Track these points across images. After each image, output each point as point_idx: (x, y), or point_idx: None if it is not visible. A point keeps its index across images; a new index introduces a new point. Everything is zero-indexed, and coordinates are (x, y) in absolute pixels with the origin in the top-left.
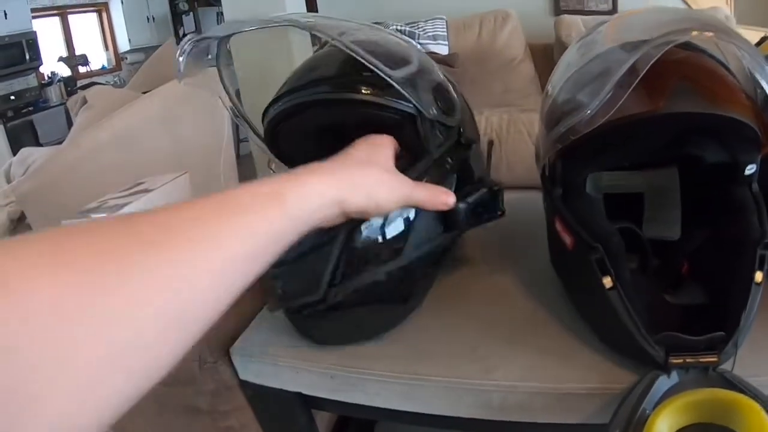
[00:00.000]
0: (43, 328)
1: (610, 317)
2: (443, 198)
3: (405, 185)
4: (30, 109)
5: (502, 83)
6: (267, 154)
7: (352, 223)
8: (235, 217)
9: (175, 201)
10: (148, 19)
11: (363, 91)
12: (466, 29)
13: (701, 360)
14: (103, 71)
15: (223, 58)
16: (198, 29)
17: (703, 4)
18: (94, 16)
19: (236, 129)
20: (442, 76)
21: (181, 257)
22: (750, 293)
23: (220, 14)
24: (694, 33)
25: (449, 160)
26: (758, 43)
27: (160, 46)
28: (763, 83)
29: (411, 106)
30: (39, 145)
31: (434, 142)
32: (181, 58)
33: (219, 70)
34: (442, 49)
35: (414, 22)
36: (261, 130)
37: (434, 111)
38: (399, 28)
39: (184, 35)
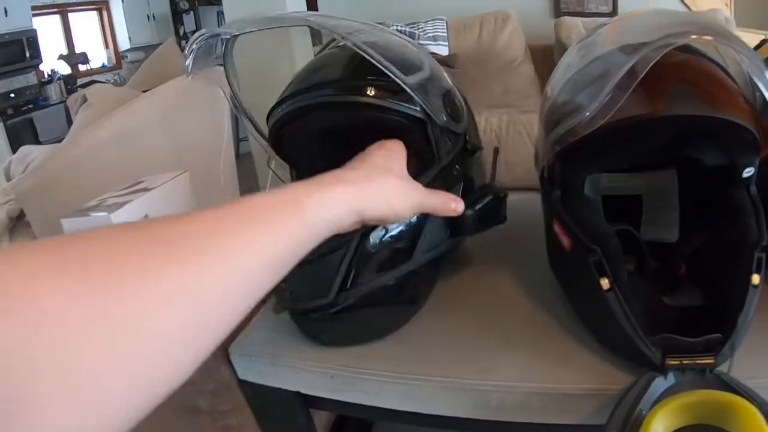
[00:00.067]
0: (45, 337)
1: (608, 319)
2: (453, 205)
3: (419, 192)
4: (30, 107)
5: (502, 84)
6: (268, 151)
7: (365, 228)
8: (255, 226)
9: (175, 200)
10: (148, 17)
11: (369, 94)
12: (466, 30)
13: (698, 362)
14: (103, 69)
15: (229, 56)
16: (198, 28)
17: (703, 7)
18: (94, 14)
19: (236, 128)
20: (450, 83)
21: (195, 269)
22: (747, 295)
23: (220, 13)
24: (693, 36)
25: (457, 167)
26: (757, 47)
27: (160, 44)
28: (762, 87)
29: (418, 110)
30: (39, 143)
31: (444, 148)
32: (190, 54)
33: (226, 68)
34: (443, 50)
35: (414, 23)
36: (262, 127)
37: (444, 118)
38: (399, 28)
39: (185, 34)
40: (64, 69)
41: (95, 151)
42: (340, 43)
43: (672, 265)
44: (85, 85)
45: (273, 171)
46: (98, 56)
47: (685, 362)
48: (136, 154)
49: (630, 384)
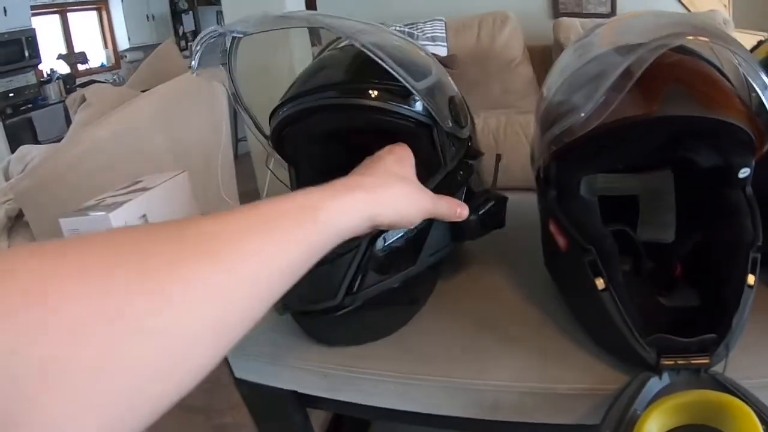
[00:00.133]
0: (52, 338)
1: (603, 319)
2: (459, 210)
3: (428, 198)
4: (29, 106)
5: (500, 85)
6: (268, 150)
7: (373, 233)
8: (275, 230)
9: (173, 199)
10: (147, 17)
11: (372, 96)
12: (465, 30)
13: (693, 362)
14: (102, 69)
15: (234, 55)
16: (197, 28)
17: (702, 8)
18: (93, 13)
19: (235, 128)
20: (456, 88)
21: (221, 270)
22: (742, 296)
23: (219, 13)
24: (689, 37)
25: (461, 172)
26: (754, 48)
27: (159, 44)
28: (758, 88)
29: (422, 114)
30: (38, 142)
31: (449, 154)
32: (197, 51)
33: (230, 66)
34: (441, 51)
35: (413, 23)
36: (263, 125)
37: (450, 123)
38: (398, 29)
39: (184, 34)
40: (63, 69)
41: (94, 151)
42: (340, 45)
43: (668, 266)
44: (84, 85)
45: (271, 171)
46: (97, 56)
47: (679, 362)
48: (134, 154)
49: (625, 384)
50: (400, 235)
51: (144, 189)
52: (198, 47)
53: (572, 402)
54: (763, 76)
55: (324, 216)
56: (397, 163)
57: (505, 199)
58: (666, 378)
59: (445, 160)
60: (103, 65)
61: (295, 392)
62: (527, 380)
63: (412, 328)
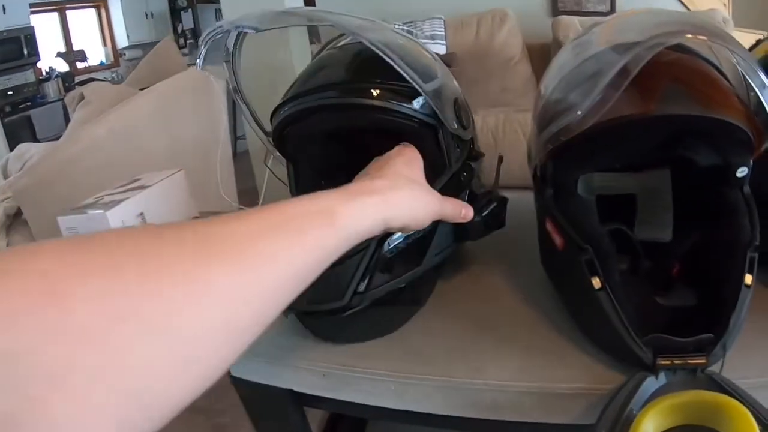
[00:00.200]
0: (71, 338)
1: (599, 318)
2: (464, 211)
3: (437, 201)
4: (27, 104)
5: (499, 83)
6: (267, 147)
7: (381, 234)
8: (291, 233)
9: (171, 198)
10: (146, 15)
11: (375, 95)
12: (463, 28)
13: (689, 361)
14: (101, 67)
15: (238, 51)
16: (196, 25)
17: (701, 6)
18: (92, 11)
19: (233, 126)
20: (459, 89)
21: (234, 272)
22: (740, 296)
23: (218, 11)
24: (687, 36)
25: (464, 173)
26: (753, 47)
27: (158, 42)
28: (756, 87)
29: (423, 113)
30: (36, 140)
31: (454, 155)
32: (204, 46)
33: (233, 62)
34: (440, 49)
35: (411, 22)
36: (263, 122)
37: (455, 125)
38: (397, 27)
39: (183, 32)
40: (62, 66)
41: (92, 149)
42: (340, 43)
43: (665, 265)
44: (83, 83)
45: (269, 169)
46: (96, 54)
47: (676, 362)
48: (133, 152)
49: (621, 384)
50: (406, 236)
51: (141, 187)
52: (205, 43)
53: (569, 401)
54: (762, 76)
55: (340, 219)
56: (406, 165)
57: (506, 200)
58: (662, 378)
59: (449, 161)
60: (102, 63)
61: (292, 391)
62: (524, 380)
63: (410, 327)
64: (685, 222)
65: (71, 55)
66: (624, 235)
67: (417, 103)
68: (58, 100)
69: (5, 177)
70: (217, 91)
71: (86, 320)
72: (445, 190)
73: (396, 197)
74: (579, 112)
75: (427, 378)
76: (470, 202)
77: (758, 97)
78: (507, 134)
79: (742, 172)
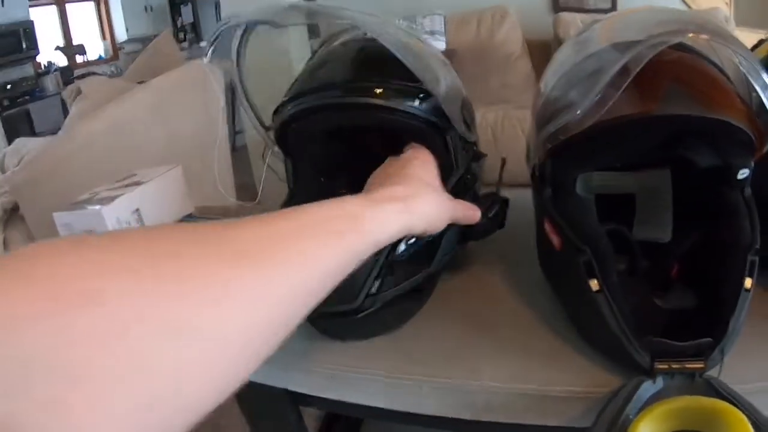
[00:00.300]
0: (108, 338)
1: (597, 320)
2: (472, 214)
3: (450, 205)
4: (26, 98)
5: (499, 79)
6: (266, 141)
7: None
8: (318, 237)
9: (167, 194)
10: (145, 8)
11: (380, 95)
12: (464, 25)
13: (687, 366)
14: (100, 61)
15: (244, 45)
16: (196, 19)
17: (703, 5)
18: (91, 5)
19: (232, 121)
20: (464, 91)
21: (261, 275)
22: (739, 299)
23: (218, 5)
24: (690, 35)
25: (468, 175)
26: (755, 47)
27: (157, 36)
28: (758, 88)
29: (430, 113)
30: (35, 134)
31: (461, 157)
32: (215, 37)
33: (238, 55)
34: (440, 45)
35: (412, 17)
36: (262, 117)
37: (463, 127)
38: (397, 23)
39: (182, 26)
40: (61, 60)
41: (89, 144)
42: (341, 39)
43: (664, 266)
44: (81, 77)
45: (268, 164)
46: (95, 48)
47: (674, 366)
48: (130, 147)
49: (617, 387)
50: (418, 239)
51: (137, 183)
52: (217, 34)
53: (564, 404)
54: (764, 76)
55: (366, 225)
56: (424, 170)
57: (508, 201)
58: (660, 382)
59: (457, 163)
60: (101, 57)
61: (288, 391)
62: (519, 382)
63: (406, 328)
64: (684, 222)
65: (70, 48)
66: (622, 235)
67: (422, 103)
68: (57, 94)
69: (2, 172)
70: (215, 85)
71: (110, 321)
72: (453, 193)
73: (418, 204)
74: (578, 112)
75: (421, 379)
76: (474, 203)
77: (760, 97)
78: (506, 131)
79: (743, 173)
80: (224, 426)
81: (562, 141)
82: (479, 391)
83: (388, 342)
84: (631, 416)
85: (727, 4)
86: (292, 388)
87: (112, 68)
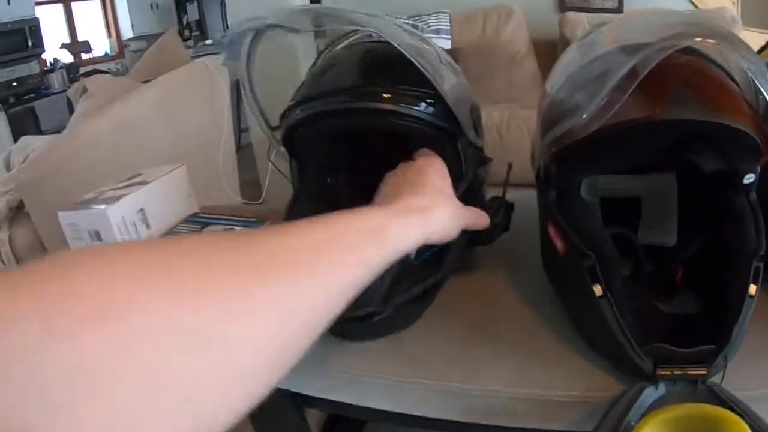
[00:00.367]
0: (143, 348)
1: (600, 325)
2: (482, 220)
3: (462, 212)
4: (32, 95)
5: (504, 79)
6: (272, 142)
7: None
8: (344, 250)
9: (172, 193)
10: (151, 6)
11: (388, 100)
12: (469, 24)
13: (690, 373)
14: (105, 58)
15: (254, 48)
16: (202, 17)
17: (710, 5)
18: (97, 2)
19: (237, 119)
20: (474, 96)
21: (288, 285)
22: (743, 306)
23: (223, 2)
24: (697, 39)
25: (476, 181)
26: (762, 49)
27: (163, 33)
28: (765, 92)
29: (439, 118)
30: (41, 131)
31: (470, 163)
32: (232, 38)
33: (248, 58)
34: (445, 44)
35: (417, 16)
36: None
37: (473, 133)
38: (402, 21)
39: (188, 23)
40: (67, 58)
41: (95, 143)
42: (347, 40)
43: (669, 270)
44: (87, 74)
45: (272, 163)
46: (101, 45)
47: (676, 373)
48: (135, 146)
49: (619, 393)
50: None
51: (142, 183)
52: (233, 35)
53: (565, 409)
54: None
55: (388, 237)
56: (439, 178)
57: (513, 205)
58: (662, 388)
59: (466, 169)
60: (106, 54)
61: (291, 392)
62: (520, 386)
63: (409, 330)
64: (689, 227)
65: (76, 46)
66: (627, 239)
67: (431, 108)
68: (63, 92)
69: (8, 169)
70: (220, 84)
71: (156, 331)
72: (462, 199)
73: (436, 216)
74: (584, 116)
75: (423, 382)
76: (481, 208)
77: (767, 101)
78: (512, 130)
79: (749, 178)
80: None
81: (567, 145)
82: (481, 395)
83: (390, 345)
84: (632, 422)
85: (733, 3)
86: (295, 389)
87: (118, 65)
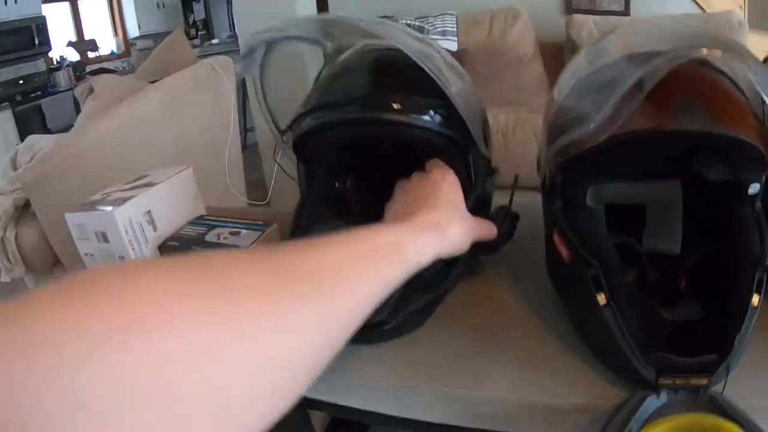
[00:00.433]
0: (176, 361)
1: (603, 334)
2: (490, 232)
3: (473, 224)
4: (38, 93)
5: (511, 81)
6: (280, 144)
7: None
8: (368, 267)
9: (179, 195)
10: (158, 5)
11: (398, 110)
12: (476, 26)
13: (692, 382)
14: (112, 57)
15: (270, 54)
16: (208, 16)
17: (717, 8)
18: (103, 1)
19: (243, 119)
20: (483, 108)
21: (313, 302)
22: (746, 316)
23: (229, 2)
24: (704, 51)
25: (485, 192)
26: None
27: (169, 32)
28: None
29: (450, 128)
30: (47, 130)
31: (480, 175)
32: (254, 47)
33: (263, 66)
34: (451, 45)
35: (423, 17)
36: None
37: (483, 145)
38: (408, 23)
39: (194, 22)
40: (73, 56)
41: (101, 143)
42: (356, 46)
43: (673, 278)
44: (94, 72)
45: (278, 164)
46: (107, 43)
47: (678, 382)
48: (142, 146)
49: (621, 401)
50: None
51: (149, 184)
52: (248, 49)
53: (568, 416)
54: None
55: (407, 253)
56: (451, 191)
57: (518, 216)
58: (664, 396)
59: (476, 181)
60: (113, 53)
61: None
62: (524, 393)
63: (413, 335)
64: (694, 236)
65: (82, 44)
66: (632, 247)
67: (442, 119)
68: (69, 90)
69: (14, 168)
70: (227, 84)
71: (188, 345)
72: (471, 210)
73: (451, 231)
74: (591, 126)
75: (426, 387)
76: (487, 218)
77: None
78: (517, 134)
79: (754, 188)
80: None
81: (574, 155)
82: (483, 401)
83: (396, 350)
84: (634, 431)
85: (740, 7)
86: None
87: (124, 64)
